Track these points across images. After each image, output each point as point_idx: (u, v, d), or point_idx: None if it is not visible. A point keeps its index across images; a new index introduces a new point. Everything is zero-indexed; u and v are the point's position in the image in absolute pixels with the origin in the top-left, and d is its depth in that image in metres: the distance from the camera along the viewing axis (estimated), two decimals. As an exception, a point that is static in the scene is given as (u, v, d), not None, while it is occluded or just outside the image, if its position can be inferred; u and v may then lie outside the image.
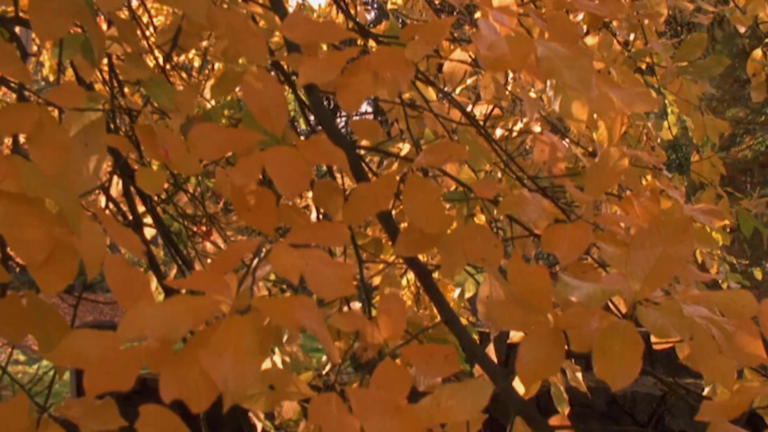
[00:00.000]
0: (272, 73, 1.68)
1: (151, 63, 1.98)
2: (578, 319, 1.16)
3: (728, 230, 3.52)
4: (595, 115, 1.62)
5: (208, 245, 2.70)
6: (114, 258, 1.24)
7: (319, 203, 1.45)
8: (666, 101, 3.37)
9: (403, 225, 1.41)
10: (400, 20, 3.56)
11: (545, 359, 1.17)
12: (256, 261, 1.16)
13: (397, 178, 1.32)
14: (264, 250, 1.18)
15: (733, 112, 11.37)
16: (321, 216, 1.75)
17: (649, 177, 1.87)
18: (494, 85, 1.92)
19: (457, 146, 1.31)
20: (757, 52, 3.28)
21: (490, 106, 2.00)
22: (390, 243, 1.72)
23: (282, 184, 1.19)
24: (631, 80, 1.68)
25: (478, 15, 1.39)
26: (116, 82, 1.74)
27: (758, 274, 5.43)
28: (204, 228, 2.66)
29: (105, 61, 1.77)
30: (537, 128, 1.88)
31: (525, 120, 2.35)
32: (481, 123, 1.85)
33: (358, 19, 1.84)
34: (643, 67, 2.94)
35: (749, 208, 3.39)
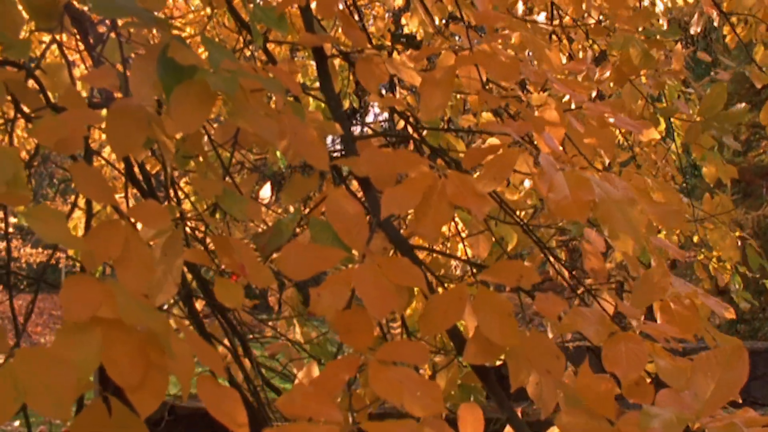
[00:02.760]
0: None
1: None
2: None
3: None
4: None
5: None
6: (205, 377, 1.32)
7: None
8: (674, 126, 3.57)
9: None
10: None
11: (614, 467, 1.29)
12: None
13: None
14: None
15: (749, 117, 11.51)
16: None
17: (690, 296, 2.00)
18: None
19: (527, 267, 1.43)
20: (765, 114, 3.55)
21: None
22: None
23: (371, 305, 1.30)
24: (665, 189, 1.84)
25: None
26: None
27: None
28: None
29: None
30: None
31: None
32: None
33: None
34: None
35: (766, 214, 3.64)
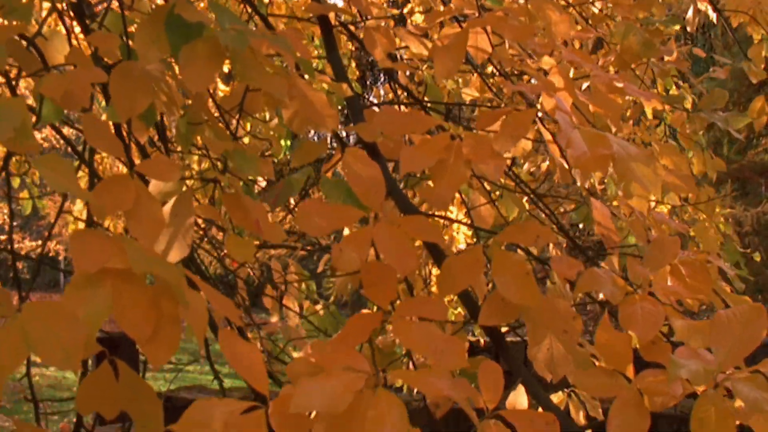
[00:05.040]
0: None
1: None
2: (664, 388, 1.30)
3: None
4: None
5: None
6: (226, 331, 1.30)
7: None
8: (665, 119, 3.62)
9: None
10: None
11: (633, 422, 1.29)
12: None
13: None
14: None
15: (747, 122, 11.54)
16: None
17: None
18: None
19: (543, 228, 1.43)
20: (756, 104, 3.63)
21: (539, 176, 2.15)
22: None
23: (393, 260, 1.29)
24: (672, 153, 1.86)
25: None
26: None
27: (758, 257, 5.72)
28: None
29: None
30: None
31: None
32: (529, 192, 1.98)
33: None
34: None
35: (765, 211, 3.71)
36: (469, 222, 1.69)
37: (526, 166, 2.94)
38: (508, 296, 1.38)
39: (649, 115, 3.19)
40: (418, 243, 1.57)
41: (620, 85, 1.59)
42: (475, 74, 2.10)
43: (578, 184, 1.75)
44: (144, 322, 1.21)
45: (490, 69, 2.20)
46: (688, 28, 3.62)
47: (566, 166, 1.49)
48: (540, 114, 1.57)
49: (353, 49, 3.93)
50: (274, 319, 2.92)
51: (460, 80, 2.48)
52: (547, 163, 2.74)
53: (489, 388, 1.34)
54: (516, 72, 1.96)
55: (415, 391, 4.02)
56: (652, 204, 2.14)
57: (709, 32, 12.36)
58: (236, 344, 1.29)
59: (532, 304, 1.38)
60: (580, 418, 2.29)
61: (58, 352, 1.12)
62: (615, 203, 1.88)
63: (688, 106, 3.52)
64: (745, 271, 3.51)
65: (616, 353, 1.33)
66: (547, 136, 1.55)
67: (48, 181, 1.26)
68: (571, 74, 1.89)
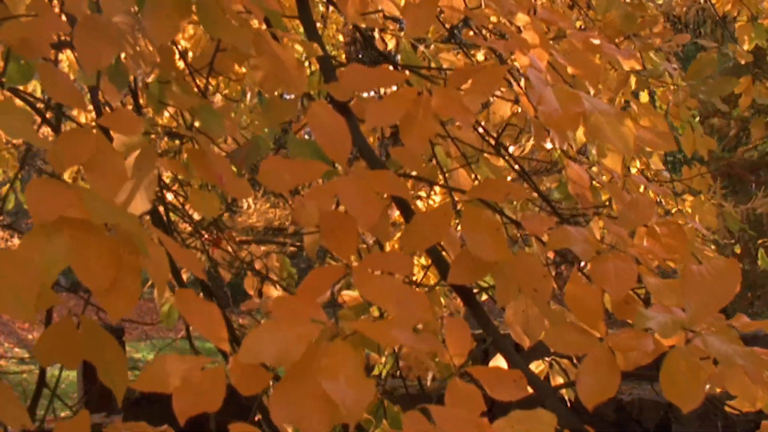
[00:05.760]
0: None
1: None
2: (634, 343, 1.26)
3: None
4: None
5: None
6: (183, 290, 1.27)
7: (371, 231, 1.51)
8: (656, 101, 3.59)
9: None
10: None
11: (605, 380, 1.26)
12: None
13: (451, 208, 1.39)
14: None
15: (738, 112, 11.46)
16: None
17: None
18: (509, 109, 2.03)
19: (514, 185, 1.40)
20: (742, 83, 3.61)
21: (509, 133, 2.11)
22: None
23: (357, 213, 1.25)
24: (649, 112, 1.82)
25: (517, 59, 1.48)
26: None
27: (738, 249, 5.70)
28: (211, 237, 2.68)
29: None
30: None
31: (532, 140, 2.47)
32: (500, 150, 1.95)
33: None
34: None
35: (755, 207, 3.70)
36: (443, 184, 1.67)
37: (512, 149, 2.89)
38: (478, 253, 1.34)
39: (633, 86, 3.15)
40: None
41: (597, 42, 1.56)
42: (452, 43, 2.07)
43: (556, 146, 1.72)
44: (102, 272, 1.18)
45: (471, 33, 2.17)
46: (677, 11, 3.59)
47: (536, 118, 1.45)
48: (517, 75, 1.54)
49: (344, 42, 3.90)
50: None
51: (433, 46, 2.45)
52: (532, 143, 2.71)
53: (456, 344, 1.31)
54: (495, 33, 1.93)
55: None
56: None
57: (699, 29, 12.34)
58: (194, 302, 1.26)
59: (502, 260, 1.35)
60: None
61: (9, 297, 1.09)
62: (594, 169, 1.86)
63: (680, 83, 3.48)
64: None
65: (587, 308, 1.30)
66: (518, 90, 1.52)
67: (3, 128, 1.23)
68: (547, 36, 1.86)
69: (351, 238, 1.24)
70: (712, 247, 4.26)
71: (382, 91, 2.56)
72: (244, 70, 1.91)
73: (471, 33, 1.97)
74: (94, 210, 1.15)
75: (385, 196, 1.36)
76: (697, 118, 3.45)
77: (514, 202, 2.22)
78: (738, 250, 6.25)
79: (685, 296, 1.24)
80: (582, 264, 1.44)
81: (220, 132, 1.46)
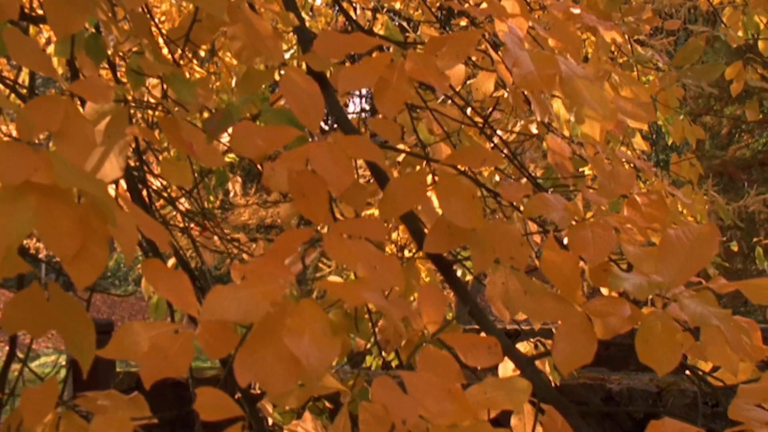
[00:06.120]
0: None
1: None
2: (610, 308, 1.24)
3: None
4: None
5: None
6: (149, 260, 1.26)
7: (346, 200, 1.49)
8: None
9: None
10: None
11: (581, 347, 1.24)
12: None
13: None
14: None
15: (731, 110, 11.38)
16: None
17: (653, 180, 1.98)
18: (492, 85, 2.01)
19: (492, 152, 1.38)
20: (733, 69, 3.58)
21: (489, 108, 2.09)
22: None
23: (328, 176, 1.23)
24: (631, 82, 1.80)
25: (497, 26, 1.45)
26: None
27: (734, 247, 5.68)
28: (198, 227, 2.66)
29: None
30: (535, 129, 1.99)
31: (522, 122, 2.46)
32: (481, 124, 1.92)
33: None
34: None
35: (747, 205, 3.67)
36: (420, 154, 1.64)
37: (499, 132, 2.87)
38: (454, 219, 1.32)
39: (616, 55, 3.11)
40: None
41: (577, 11, 1.54)
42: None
43: (537, 118, 1.70)
44: (69, 239, 1.16)
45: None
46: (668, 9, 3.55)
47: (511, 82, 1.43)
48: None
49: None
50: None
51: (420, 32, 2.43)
52: (520, 124, 2.68)
53: (430, 311, 1.29)
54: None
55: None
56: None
57: (689, 29, 12.34)
58: (161, 271, 1.24)
59: (477, 227, 1.32)
60: (546, 367, 2.24)
61: (-28, 259, 1.07)
62: (574, 138, 1.83)
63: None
64: (717, 259, 3.48)
65: (564, 275, 1.27)
66: (496, 58, 1.49)
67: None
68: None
69: (321, 200, 1.21)
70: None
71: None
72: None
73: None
74: (61, 175, 1.13)
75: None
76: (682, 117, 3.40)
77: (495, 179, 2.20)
78: (735, 247, 6.23)
79: (663, 260, 1.22)
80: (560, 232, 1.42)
81: (191, 100, 1.44)
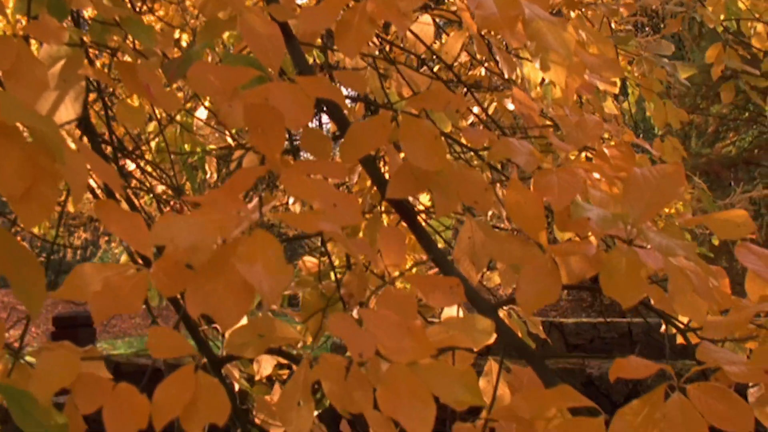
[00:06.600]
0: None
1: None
2: (576, 248, 1.21)
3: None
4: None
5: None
6: (103, 200, 1.23)
7: (309, 149, 1.45)
8: (628, 83, 3.54)
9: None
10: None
11: (544, 288, 1.21)
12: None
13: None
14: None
15: (717, 108, 11.37)
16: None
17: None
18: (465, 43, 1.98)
19: (455, 94, 1.35)
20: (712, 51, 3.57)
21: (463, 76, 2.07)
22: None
23: (286, 112, 1.20)
24: (599, 40, 1.78)
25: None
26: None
27: (716, 241, 5.68)
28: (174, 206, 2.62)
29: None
30: (510, 105, 1.96)
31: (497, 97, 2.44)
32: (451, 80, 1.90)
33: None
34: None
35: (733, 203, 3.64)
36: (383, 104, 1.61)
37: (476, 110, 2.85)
38: (417, 161, 1.29)
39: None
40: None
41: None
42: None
43: (506, 75, 1.68)
44: (16, 177, 1.12)
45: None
46: (654, 6, 3.54)
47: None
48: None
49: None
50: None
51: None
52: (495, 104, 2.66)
53: (390, 252, 1.26)
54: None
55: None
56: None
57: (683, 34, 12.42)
58: (115, 211, 1.20)
59: (441, 169, 1.29)
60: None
61: None
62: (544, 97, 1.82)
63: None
64: (704, 249, 3.47)
65: (528, 215, 1.25)
66: (461, 6, 1.47)
67: None
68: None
69: (278, 135, 1.18)
70: (687, 236, 4.22)
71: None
72: None
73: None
74: (8, 111, 1.09)
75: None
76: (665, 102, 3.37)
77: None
78: (716, 241, 6.23)
79: (628, 196, 1.19)
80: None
81: (150, 44, 1.40)
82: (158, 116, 2.74)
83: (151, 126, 4.10)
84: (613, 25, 3.46)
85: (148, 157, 3.07)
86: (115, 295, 1.12)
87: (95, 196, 1.94)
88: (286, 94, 1.22)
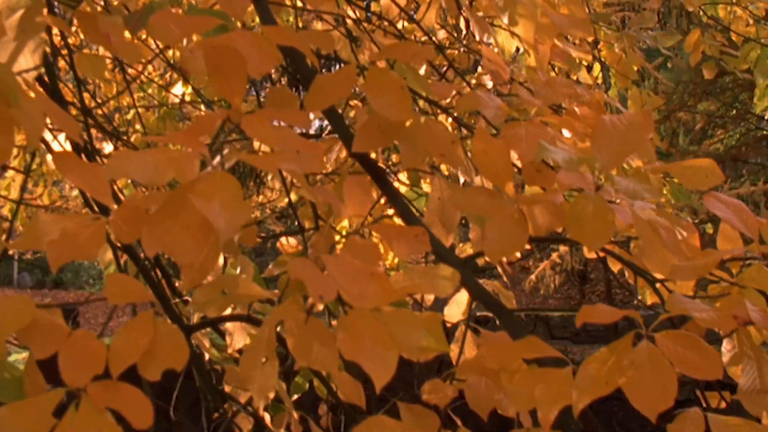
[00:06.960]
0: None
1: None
2: (543, 197, 1.20)
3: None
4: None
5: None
6: (61, 152, 1.20)
7: (272, 102, 1.43)
8: (610, 74, 3.53)
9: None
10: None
11: (511, 236, 1.20)
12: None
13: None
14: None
15: (704, 106, 11.37)
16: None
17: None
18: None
19: (423, 46, 1.33)
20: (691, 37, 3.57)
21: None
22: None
23: (251, 61, 1.17)
24: (573, 3, 1.76)
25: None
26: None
27: (709, 229, 5.70)
28: None
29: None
30: (489, 82, 1.95)
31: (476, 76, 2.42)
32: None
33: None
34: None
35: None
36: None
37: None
38: (383, 112, 1.27)
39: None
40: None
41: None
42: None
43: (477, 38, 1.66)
44: (-32, 123, 1.10)
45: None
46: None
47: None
48: None
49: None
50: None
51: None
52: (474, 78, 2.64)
53: (354, 202, 1.24)
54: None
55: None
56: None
57: (665, 21, 12.46)
58: (74, 162, 1.18)
59: (407, 119, 1.28)
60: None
61: None
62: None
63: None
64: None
65: (495, 166, 1.23)
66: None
67: None
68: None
69: (239, 79, 1.15)
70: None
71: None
72: None
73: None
74: (-39, 54, 1.07)
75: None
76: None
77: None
78: (710, 229, 6.23)
79: (596, 143, 1.17)
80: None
81: (112, -3, 1.38)
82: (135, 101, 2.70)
83: (131, 113, 4.06)
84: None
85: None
86: (72, 243, 1.09)
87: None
88: (250, 41, 1.20)
